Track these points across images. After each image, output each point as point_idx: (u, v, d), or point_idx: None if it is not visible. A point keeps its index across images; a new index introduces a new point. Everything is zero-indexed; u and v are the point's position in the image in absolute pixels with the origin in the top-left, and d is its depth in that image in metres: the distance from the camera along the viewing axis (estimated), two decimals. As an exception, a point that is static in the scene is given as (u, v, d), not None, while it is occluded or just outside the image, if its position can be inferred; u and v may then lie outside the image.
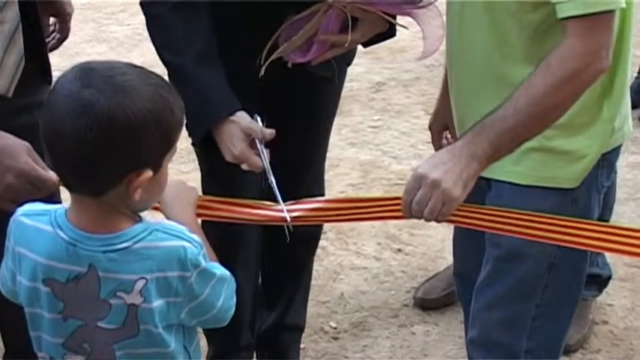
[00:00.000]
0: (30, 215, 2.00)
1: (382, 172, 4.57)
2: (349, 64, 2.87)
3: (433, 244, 3.95)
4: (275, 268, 3.17)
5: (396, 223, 4.05)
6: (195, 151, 2.70)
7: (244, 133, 2.43)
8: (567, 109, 2.22)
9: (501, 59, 2.36)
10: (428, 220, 2.23)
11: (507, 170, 2.33)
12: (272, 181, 2.42)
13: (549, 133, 2.26)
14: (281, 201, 2.39)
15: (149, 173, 1.89)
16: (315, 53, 2.57)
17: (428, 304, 3.64)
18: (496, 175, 2.34)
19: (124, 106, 1.83)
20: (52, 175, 2.08)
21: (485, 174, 2.28)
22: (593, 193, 2.44)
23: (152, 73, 1.95)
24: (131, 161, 1.87)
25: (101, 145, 1.83)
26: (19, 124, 2.21)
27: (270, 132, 2.42)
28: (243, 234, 2.82)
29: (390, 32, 2.65)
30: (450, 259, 3.67)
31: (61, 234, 1.93)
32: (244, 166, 2.42)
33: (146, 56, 5.28)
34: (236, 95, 2.51)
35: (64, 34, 3.14)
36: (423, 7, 2.55)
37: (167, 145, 1.92)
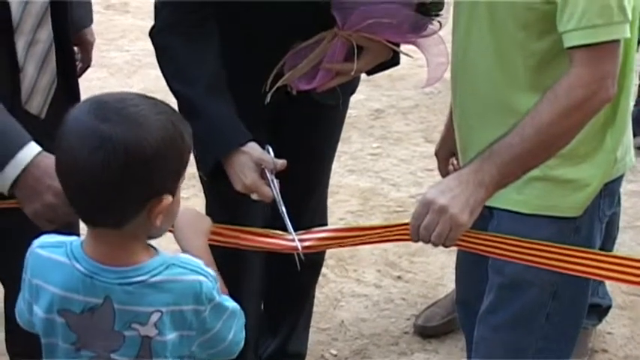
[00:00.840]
0: (46, 247, 2.00)
1: (381, 200, 4.59)
2: (353, 92, 2.90)
3: (433, 272, 3.96)
4: (278, 294, 3.19)
5: (396, 250, 4.08)
6: (201, 180, 2.71)
7: (255, 163, 2.45)
8: (573, 138, 2.25)
9: (506, 86, 2.38)
10: (435, 244, 2.23)
11: (510, 199, 2.35)
12: (283, 211, 2.43)
13: (552, 162, 2.29)
14: (292, 231, 2.40)
15: (170, 198, 1.91)
16: (320, 81, 2.59)
17: (428, 331, 3.64)
18: (499, 204, 2.35)
19: (140, 137, 1.85)
20: None
21: (488, 202, 2.28)
22: (595, 222, 2.45)
23: (161, 102, 1.97)
24: (151, 189, 1.89)
25: (120, 177, 1.84)
26: (53, 147, 2.23)
27: (281, 162, 2.45)
28: (248, 260, 2.83)
29: (394, 60, 2.69)
30: (449, 287, 3.75)
31: (78, 266, 1.94)
32: (254, 196, 2.44)
33: (146, 82, 5.34)
34: (244, 124, 2.51)
35: (86, 62, 3.18)
36: (426, 35, 2.61)
37: (180, 170, 1.95)
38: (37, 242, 2.02)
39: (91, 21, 3.12)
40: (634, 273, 2.26)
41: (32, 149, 2.22)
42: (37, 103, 2.54)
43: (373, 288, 3.93)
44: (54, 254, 1.98)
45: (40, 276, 1.98)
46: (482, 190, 2.23)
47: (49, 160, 2.15)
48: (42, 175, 2.19)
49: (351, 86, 2.80)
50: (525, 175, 2.28)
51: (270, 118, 2.70)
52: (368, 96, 5.67)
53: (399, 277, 3.97)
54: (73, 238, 2.00)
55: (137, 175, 1.86)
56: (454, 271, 3.57)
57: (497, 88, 2.40)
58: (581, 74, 2.19)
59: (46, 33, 2.53)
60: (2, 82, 2.43)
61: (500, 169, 2.22)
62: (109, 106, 1.90)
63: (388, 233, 2.42)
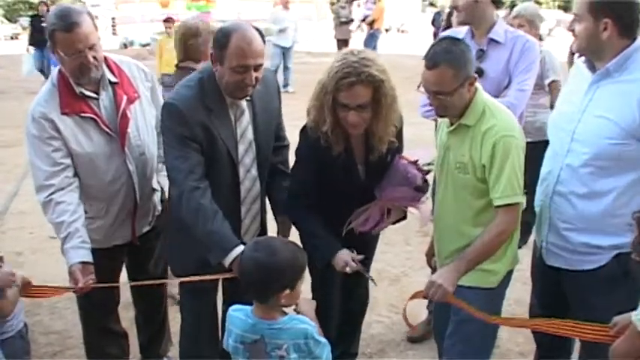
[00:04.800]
0: (235, 310, 2.03)
1: (387, 273, 4.37)
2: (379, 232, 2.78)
3: (416, 309, 3.56)
4: (348, 324, 3.02)
5: (397, 297, 3.94)
6: (310, 270, 2.44)
7: (348, 257, 2.42)
8: (498, 249, 2.27)
9: (461, 222, 2.35)
10: (437, 301, 2.26)
11: (464, 279, 2.32)
12: (365, 272, 2.47)
13: (485, 262, 2.29)
14: (370, 277, 2.49)
15: (288, 291, 1.90)
16: (370, 226, 2.57)
17: (414, 339, 3.56)
18: (460, 282, 2.31)
19: (281, 261, 1.87)
20: None
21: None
22: (503, 291, 2.45)
23: (290, 241, 2.01)
24: (281, 286, 1.89)
25: (272, 281, 1.88)
26: None
27: (360, 257, 2.45)
28: (333, 307, 2.74)
29: (405, 216, 2.64)
30: (423, 316, 3.59)
31: (249, 320, 1.97)
32: (348, 269, 2.42)
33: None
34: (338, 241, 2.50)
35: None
36: (421, 202, 2.57)
37: (297, 278, 1.94)
38: (231, 308, 2.05)
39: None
40: (519, 323, 2.39)
41: (240, 248, 2.21)
42: (248, 237, 2.56)
43: (386, 318, 3.81)
44: (238, 314, 2.01)
45: (232, 324, 2.01)
46: (458, 275, 2.23)
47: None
48: None
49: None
50: (476, 266, 2.27)
51: (348, 237, 2.60)
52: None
53: (397, 312, 3.82)
54: (247, 307, 2.01)
55: (281, 280, 1.88)
56: (425, 309, 3.51)
57: (456, 223, 2.36)
58: (502, 219, 2.21)
59: (257, 205, 2.57)
60: (233, 224, 2.38)
61: (467, 264, 2.23)
62: (259, 244, 1.94)
63: (414, 294, 2.39)
